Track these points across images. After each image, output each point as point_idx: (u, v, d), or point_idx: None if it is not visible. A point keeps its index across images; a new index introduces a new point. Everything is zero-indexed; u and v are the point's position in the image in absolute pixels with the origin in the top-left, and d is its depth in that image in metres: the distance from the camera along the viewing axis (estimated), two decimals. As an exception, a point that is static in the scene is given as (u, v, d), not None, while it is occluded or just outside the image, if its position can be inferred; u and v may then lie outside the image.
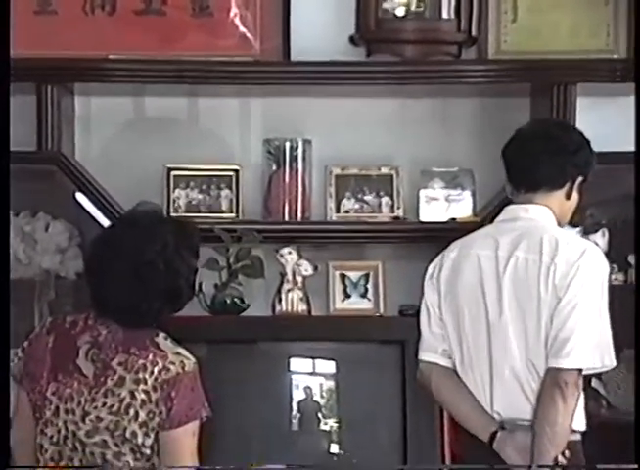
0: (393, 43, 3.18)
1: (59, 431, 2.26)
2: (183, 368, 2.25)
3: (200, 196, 3.26)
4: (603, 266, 2.42)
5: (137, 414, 2.22)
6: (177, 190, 3.25)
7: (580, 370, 2.36)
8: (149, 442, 2.24)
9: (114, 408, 2.23)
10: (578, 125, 3.02)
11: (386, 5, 3.18)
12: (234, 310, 3.11)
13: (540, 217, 2.48)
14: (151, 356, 2.24)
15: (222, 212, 3.25)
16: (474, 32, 3.17)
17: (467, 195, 3.25)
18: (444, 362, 2.49)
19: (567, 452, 2.36)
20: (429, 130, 3.33)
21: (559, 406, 2.32)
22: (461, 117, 3.33)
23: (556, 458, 2.34)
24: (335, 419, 3.00)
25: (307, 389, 3.01)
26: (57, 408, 2.26)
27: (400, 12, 3.19)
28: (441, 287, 2.49)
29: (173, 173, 3.25)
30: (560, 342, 2.33)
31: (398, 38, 3.17)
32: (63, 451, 2.26)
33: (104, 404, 2.24)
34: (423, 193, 3.24)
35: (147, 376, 2.23)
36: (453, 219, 3.21)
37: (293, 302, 3.11)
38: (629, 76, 3.05)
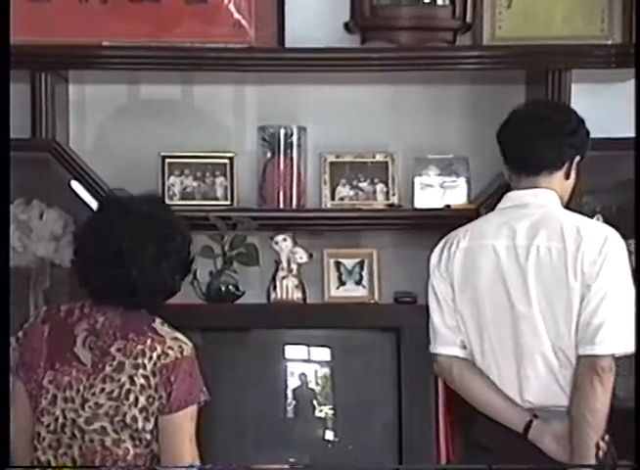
0: (388, 30, 3.17)
1: (56, 419, 2.27)
2: (182, 353, 2.27)
3: (194, 183, 3.25)
4: (625, 249, 2.44)
5: (137, 399, 2.24)
6: (172, 177, 3.24)
7: (613, 355, 2.36)
8: (149, 426, 2.25)
9: (114, 394, 2.25)
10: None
11: (381, -9, 3.16)
12: (229, 298, 3.12)
13: (550, 202, 2.48)
14: (149, 342, 2.26)
15: (217, 200, 3.24)
16: (468, 19, 3.14)
17: (462, 182, 3.23)
18: (462, 354, 2.48)
19: (606, 437, 2.37)
20: (424, 117, 3.32)
21: (598, 393, 2.32)
22: (456, 104, 3.32)
23: (597, 444, 2.34)
24: (330, 406, 3.01)
25: (302, 376, 3.01)
26: (54, 397, 2.27)
27: (395, -1, 3.17)
28: (454, 279, 2.47)
29: (168, 161, 3.24)
30: (593, 329, 2.34)
31: (393, 25, 3.16)
32: (61, 439, 2.27)
33: (102, 390, 2.25)
34: (418, 180, 3.23)
35: (146, 361, 2.25)
36: (448, 206, 3.20)
37: (288, 289, 3.12)
38: (624, 62, 3.04)
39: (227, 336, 2.98)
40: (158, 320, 2.34)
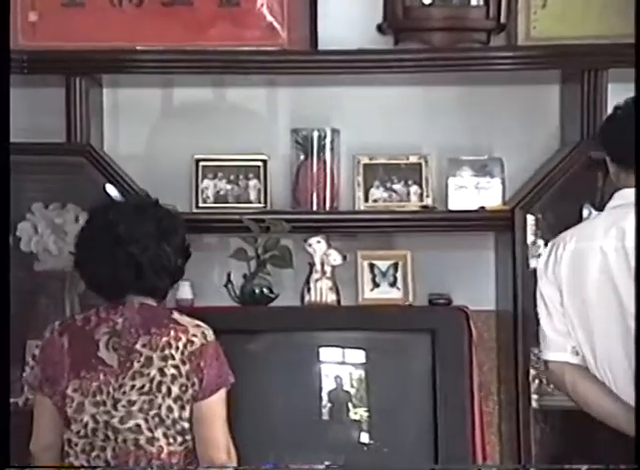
0: (421, 31, 3.16)
1: (86, 425, 2.30)
2: (205, 338, 2.34)
3: (228, 186, 3.26)
4: None
5: (169, 390, 2.29)
6: (205, 180, 3.25)
7: None
8: (186, 414, 2.30)
9: (145, 388, 2.29)
10: (609, 111, 3.01)
11: (414, -8, 3.15)
12: (263, 301, 3.12)
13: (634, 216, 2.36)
14: (173, 332, 2.32)
15: (250, 203, 3.25)
16: (502, 19, 3.12)
17: (496, 183, 3.22)
18: (575, 360, 2.41)
19: None
20: (457, 118, 3.31)
21: None
22: (490, 105, 3.30)
23: None
24: (365, 408, 2.99)
25: (337, 378, 3.00)
26: (81, 404, 2.30)
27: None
28: (562, 282, 2.40)
29: (201, 164, 3.26)
30: None
31: (426, 26, 3.15)
32: (94, 442, 2.31)
33: (133, 387, 2.29)
34: (452, 181, 3.22)
35: (173, 352, 2.30)
36: (482, 208, 3.18)
37: (322, 291, 3.11)
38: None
39: (261, 338, 2.99)
40: (175, 312, 2.39)
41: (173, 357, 2.30)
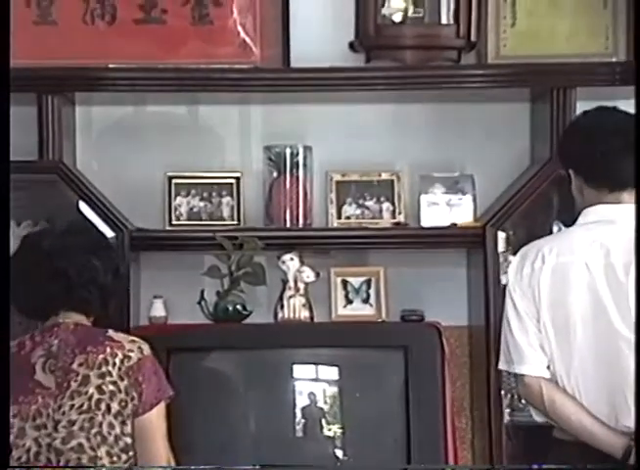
0: (393, 49, 3.17)
1: (28, 450, 2.30)
2: (142, 352, 2.35)
3: (201, 203, 3.26)
4: None
5: (109, 407, 2.29)
6: (178, 198, 3.26)
7: None
8: (127, 430, 2.30)
9: (84, 407, 2.29)
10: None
11: (385, 11, 3.17)
12: (236, 318, 3.11)
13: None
14: (109, 349, 2.33)
15: (224, 220, 3.25)
16: (473, 37, 3.15)
17: (468, 200, 3.24)
18: (549, 375, 2.36)
19: None
20: (429, 136, 3.33)
21: None
22: (461, 123, 3.32)
23: None
24: (339, 425, 2.99)
25: (311, 395, 2.99)
26: (22, 429, 2.30)
27: (399, 18, 3.18)
28: (541, 297, 2.34)
29: (174, 181, 3.26)
30: None
31: (398, 44, 3.17)
32: (35, 466, 2.29)
33: (72, 407, 2.29)
34: (424, 198, 3.24)
35: (110, 368, 2.31)
36: (454, 224, 3.19)
37: (295, 308, 3.12)
38: (629, 80, 3.01)
39: (235, 356, 2.99)
40: (110, 330, 2.40)
41: (111, 374, 2.30)
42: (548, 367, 2.37)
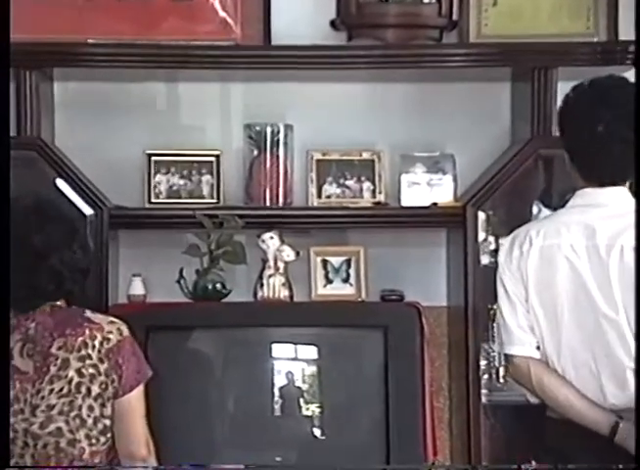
0: (374, 27, 3.17)
1: None
2: (121, 334, 2.34)
3: (181, 181, 3.26)
4: None
5: (89, 389, 2.28)
6: (158, 176, 3.25)
7: None
8: (107, 412, 2.30)
9: (64, 391, 2.28)
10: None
11: (367, -11, 3.17)
12: (215, 296, 3.12)
13: (627, 200, 2.35)
14: (87, 332, 2.31)
15: (203, 198, 3.25)
16: (455, 16, 3.15)
17: (448, 180, 3.25)
18: (538, 355, 2.38)
19: None
20: (410, 115, 3.33)
21: None
22: (442, 102, 3.33)
23: None
24: (317, 404, 3.00)
25: (289, 374, 3.00)
26: None
27: (383, -5, 3.17)
28: (529, 279, 2.36)
29: (154, 159, 3.25)
30: None
31: (379, 22, 3.16)
32: (13, 450, 2.27)
33: (51, 391, 2.28)
34: (404, 178, 3.24)
35: (90, 351, 2.30)
36: (435, 204, 3.20)
37: (275, 287, 3.12)
38: (610, 60, 3.05)
39: (214, 334, 2.99)
40: (88, 311, 2.38)
41: (90, 357, 2.29)
42: (538, 348, 2.38)
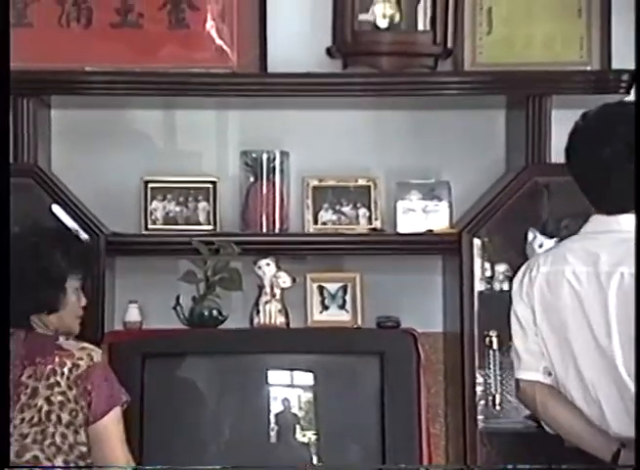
0: (370, 55, 3.20)
1: None
2: (92, 360, 2.33)
3: (177, 208, 3.27)
4: None
5: (59, 417, 2.29)
6: (154, 202, 3.26)
7: None
8: (81, 439, 2.30)
9: (35, 419, 2.29)
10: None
11: (362, 17, 3.19)
12: (212, 323, 3.11)
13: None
14: (57, 359, 2.32)
15: (200, 225, 3.26)
16: (449, 44, 3.18)
17: (444, 206, 3.26)
18: (547, 380, 2.37)
19: None
20: (405, 142, 3.35)
21: None
22: (437, 129, 3.35)
23: None
24: (313, 431, 2.98)
25: (285, 401, 2.99)
26: None
27: (384, 24, 3.19)
28: (535, 303, 2.36)
29: (150, 186, 3.27)
30: None
31: (374, 50, 3.19)
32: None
33: (22, 420, 2.29)
34: (400, 204, 3.26)
35: (59, 378, 2.30)
36: (430, 231, 3.21)
37: (271, 314, 3.12)
38: (603, 88, 3.08)
39: (210, 361, 2.98)
40: (61, 337, 2.38)
41: (59, 384, 2.30)
42: (550, 374, 2.38)
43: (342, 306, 3.22)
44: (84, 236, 3.00)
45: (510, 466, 2.38)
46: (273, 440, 2.98)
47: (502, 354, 3.14)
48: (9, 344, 2.23)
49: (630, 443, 2.22)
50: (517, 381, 2.44)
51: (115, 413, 2.33)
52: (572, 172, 2.38)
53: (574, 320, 2.31)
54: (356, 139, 3.34)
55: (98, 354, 2.36)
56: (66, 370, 2.30)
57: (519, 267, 2.46)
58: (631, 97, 3.03)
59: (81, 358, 2.33)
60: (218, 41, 3.20)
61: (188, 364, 2.96)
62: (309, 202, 3.30)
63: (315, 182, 3.30)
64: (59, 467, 2.28)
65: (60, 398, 2.29)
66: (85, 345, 2.38)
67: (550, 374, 2.38)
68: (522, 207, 3.14)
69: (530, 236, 3.14)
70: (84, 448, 2.30)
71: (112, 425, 2.32)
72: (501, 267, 3.19)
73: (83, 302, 2.54)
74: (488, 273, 3.19)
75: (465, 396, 3.09)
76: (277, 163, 3.25)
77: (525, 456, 2.60)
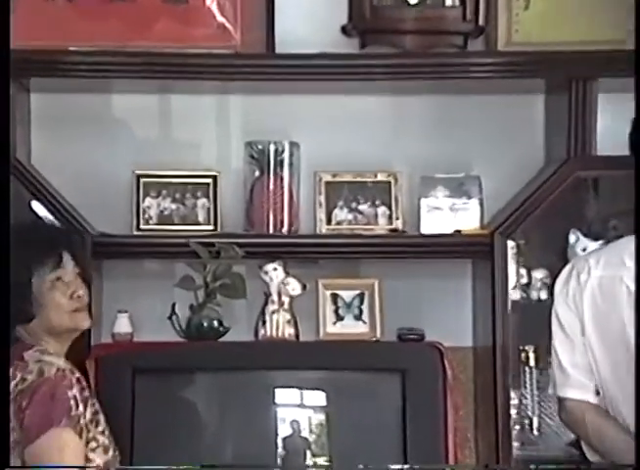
0: (391, 34, 3.18)
1: None
2: (41, 375, 2.33)
3: (173, 206, 3.26)
4: None
5: None
6: (147, 199, 3.25)
7: None
8: (18, 461, 2.28)
9: None
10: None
11: (382, -9, 3.17)
12: (212, 335, 3.10)
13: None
14: (12, 370, 2.30)
15: (199, 224, 3.25)
16: (481, 21, 3.15)
17: (474, 204, 3.24)
18: (596, 400, 2.37)
19: None
20: (431, 132, 3.33)
21: None
22: (467, 117, 3.33)
23: None
24: (326, 457, 2.97)
25: (294, 423, 2.98)
26: None
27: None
28: (585, 312, 2.36)
29: (143, 180, 3.25)
30: None
31: (396, 28, 3.17)
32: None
33: None
34: (424, 202, 3.24)
35: (12, 393, 2.29)
36: (458, 232, 3.19)
37: (278, 325, 3.12)
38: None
39: (209, 378, 2.98)
40: (35, 347, 2.39)
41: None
42: (598, 392, 2.36)
43: (359, 317, 3.20)
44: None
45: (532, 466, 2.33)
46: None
47: (540, 372, 3.16)
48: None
49: None
50: (560, 400, 2.41)
51: (53, 436, 2.29)
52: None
53: (629, 332, 2.28)
54: (375, 128, 3.33)
55: (52, 369, 2.33)
56: (12, 384, 2.30)
57: (560, 270, 2.44)
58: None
59: (31, 372, 2.33)
60: (220, 18, 3.17)
61: (184, 382, 2.95)
62: (322, 199, 3.29)
63: (329, 177, 3.30)
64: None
65: None
66: (46, 358, 2.36)
67: (599, 393, 2.36)
68: (563, 204, 3.12)
69: (573, 238, 3.14)
70: None
71: (49, 449, 2.28)
72: (539, 274, 3.19)
73: (77, 290, 2.50)
74: (524, 280, 3.19)
75: (498, 419, 3.08)
76: (286, 155, 3.24)
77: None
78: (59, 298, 2.48)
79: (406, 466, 2.83)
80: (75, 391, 2.35)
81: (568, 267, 2.44)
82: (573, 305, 2.37)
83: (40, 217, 2.91)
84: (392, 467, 2.78)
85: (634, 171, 2.29)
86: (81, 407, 2.36)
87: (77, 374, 2.40)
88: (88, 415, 2.39)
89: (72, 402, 2.33)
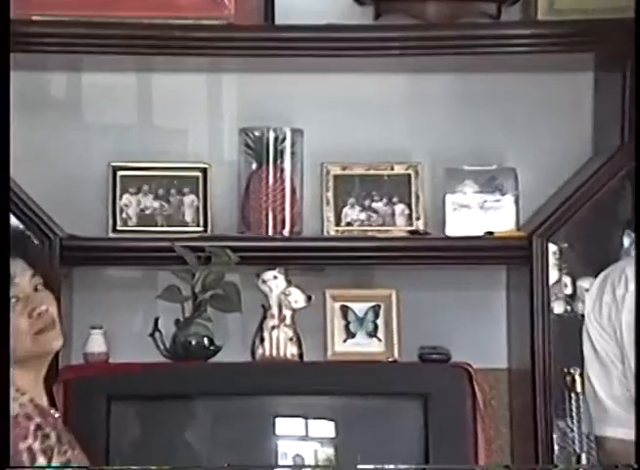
0: (410, 1, 3.13)
1: None
2: None
3: (155, 204, 3.23)
4: None
5: None
6: (126, 196, 3.21)
7: None
8: None
9: None
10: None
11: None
12: (201, 355, 3.06)
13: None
14: None
15: (186, 225, 3.22)
16: (517, -15, 3.08)
17: (508, 201, 3.19)
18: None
19: None
20: (457, 116, 3.29)
21: None
22: (500, 100, 3.28)
23: None
24: (334, 497, 2.94)
25: (298, 458, 2.94)
26: None
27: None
28: (624, 333, 2.29)
29: (120, 173, 3.21)
30: None
31: (416, -5, 3.07)
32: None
33: None
34: (450, 199, 3.19)
35: None
36: (490, 234, 3.13)
37: (279, 343, 3.06)
38: None
39: (198, 405, 2.96)
40: None
41: None
42: None
43: (373, 334, 3.14)
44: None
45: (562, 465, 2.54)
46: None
47: (588, 399, 3.12)
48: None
49: None
50: (598, 439, 2.40)
51: None
52: None
53: None
54: (392, 113, 3.28)
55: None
56: None
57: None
58: None
59: None
60: (211, -16, 3.05)
61: (168, 410, 2.92)
62: (330, 195, 3.24)
63: (337, 170, 3.25)
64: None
65: None
66: None
67: None
68: (614, 202, 3.07)
69: (627, 241, 3.06)
70: None
71: None
72: (586, 283, 3.01)
73: (37, 307, 2.36)
74: (569, 290, 3.11)
75: (538, 454, 3.02)
76: (287, 144, 3.19)
77: None
78: (15, 319, 2.33)
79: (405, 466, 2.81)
80: (31, 441, 2.24)
81: (598, 279, 2.40)
82: (609, 327, 2.34)
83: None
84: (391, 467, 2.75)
85: (634, 171, 2.32)
86: (41, 460, 2.24)
87: (39, 419, 2.28)
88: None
89: (26, 456, 2.22)
